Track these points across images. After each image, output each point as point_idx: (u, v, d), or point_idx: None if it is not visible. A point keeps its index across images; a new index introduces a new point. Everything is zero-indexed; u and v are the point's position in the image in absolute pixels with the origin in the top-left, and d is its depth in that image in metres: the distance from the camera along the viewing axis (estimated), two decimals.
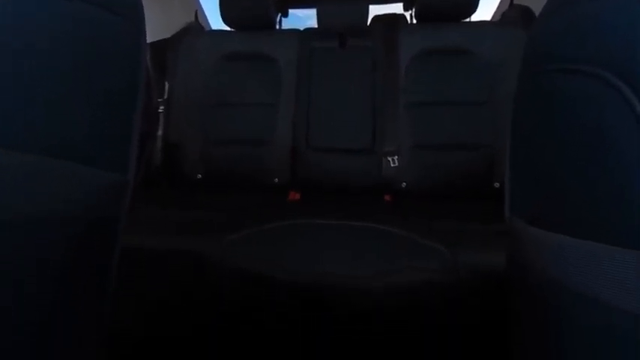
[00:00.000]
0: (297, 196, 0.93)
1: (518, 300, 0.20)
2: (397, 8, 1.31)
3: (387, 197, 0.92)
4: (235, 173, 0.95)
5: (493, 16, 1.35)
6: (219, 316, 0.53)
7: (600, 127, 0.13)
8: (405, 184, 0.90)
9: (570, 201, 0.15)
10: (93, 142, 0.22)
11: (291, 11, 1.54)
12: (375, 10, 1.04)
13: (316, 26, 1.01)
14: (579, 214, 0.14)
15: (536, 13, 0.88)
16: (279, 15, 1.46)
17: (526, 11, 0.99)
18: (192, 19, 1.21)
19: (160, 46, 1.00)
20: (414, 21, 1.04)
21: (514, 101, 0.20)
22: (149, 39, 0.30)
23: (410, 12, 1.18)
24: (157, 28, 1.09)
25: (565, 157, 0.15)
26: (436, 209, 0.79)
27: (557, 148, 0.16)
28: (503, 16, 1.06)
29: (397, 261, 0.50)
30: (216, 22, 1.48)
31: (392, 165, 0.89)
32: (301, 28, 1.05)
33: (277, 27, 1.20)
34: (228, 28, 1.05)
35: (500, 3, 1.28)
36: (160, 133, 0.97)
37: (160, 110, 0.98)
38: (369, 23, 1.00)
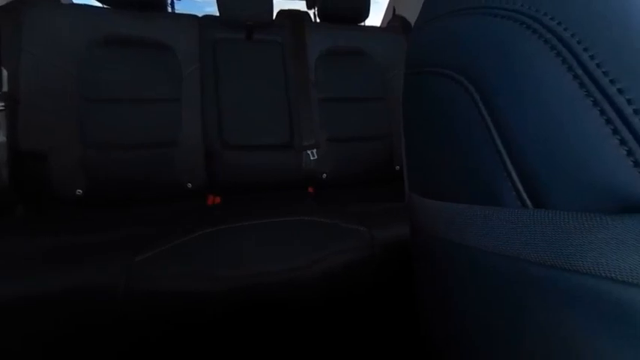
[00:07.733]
0: (218, 200, 0.87)
1: (422, 264, 0.22)
2: (300, 5, 1.33)
3: (310, 189, 0.94)
4: (133, 183, 0.80)
5: (382, 23, 1.54)
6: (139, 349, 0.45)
7: (457, 116, 0.16)
8: (325, 175, 0.94)
9: (448, 175, 0.18)
10: None
11: None
12: (278, 5, 1.03)
13: (216, 14, 0.93)
14: (456, 184, 0.17)
15: (412, 24, 1.09)
16: None
17: (404, 21, 1.15)
18: None
19: None
20: (318, 20, 1.07)
21: (402, 97, 0.23)
22: None
23: (313, 10, 1.22)
24: None
25: (439, 141, 0.18)
26: (352, 195, 0.86)
27: (433, 135, 0.19)
28: (389, 25, 1.19)
29: (324, 247, 0.51)
30: None
31: (312, 158, 0.92)
32: (199, 15, 0.94)
33: (170, 10, 1.05)
34: (96, 3, 0.85)
35: (386, 12, 1.48)
36: (2, 139, 0.72)
37: None
38: (274, 17, 0.97)
